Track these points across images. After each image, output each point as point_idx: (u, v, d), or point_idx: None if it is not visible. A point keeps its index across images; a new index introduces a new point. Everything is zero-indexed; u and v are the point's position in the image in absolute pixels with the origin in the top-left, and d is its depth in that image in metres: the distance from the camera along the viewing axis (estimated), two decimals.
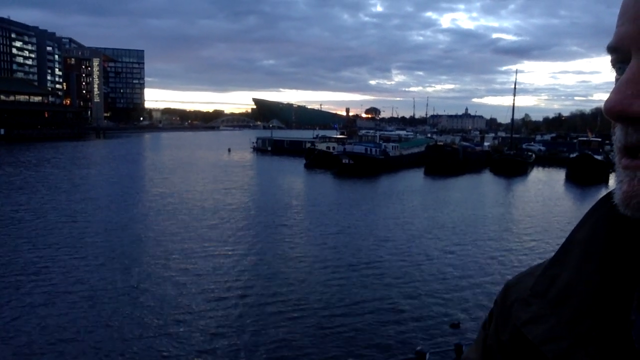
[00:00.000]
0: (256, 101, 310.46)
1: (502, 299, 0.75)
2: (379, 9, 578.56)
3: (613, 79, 0.57)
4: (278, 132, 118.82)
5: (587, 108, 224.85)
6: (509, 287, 0.75)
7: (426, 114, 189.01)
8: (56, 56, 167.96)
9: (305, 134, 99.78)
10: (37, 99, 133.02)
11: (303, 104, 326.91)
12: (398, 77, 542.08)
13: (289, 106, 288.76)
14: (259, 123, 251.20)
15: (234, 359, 11.28)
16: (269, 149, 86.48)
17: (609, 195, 0.65)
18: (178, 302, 14.60)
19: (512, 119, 77.78)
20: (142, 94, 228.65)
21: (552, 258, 0.69)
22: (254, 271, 17.65)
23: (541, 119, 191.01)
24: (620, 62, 0.57)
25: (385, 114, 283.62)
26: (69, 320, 13.05)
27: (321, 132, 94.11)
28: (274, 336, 12.32)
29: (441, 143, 68.14)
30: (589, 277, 0.62)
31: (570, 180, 50.53)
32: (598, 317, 0.58)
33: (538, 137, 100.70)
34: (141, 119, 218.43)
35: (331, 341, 12.10)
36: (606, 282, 0.60)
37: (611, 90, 0.56)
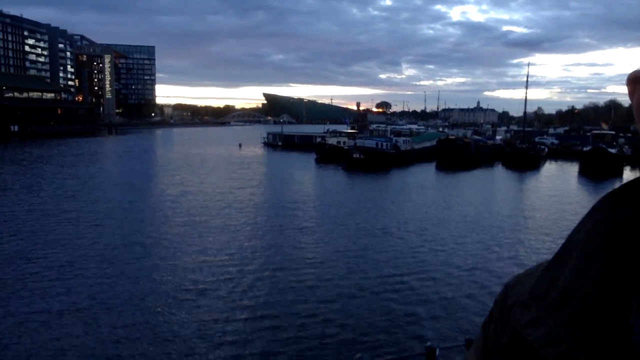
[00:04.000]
0: (267, 96, 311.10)
1: (501, 300, 0.75)
2: (388, 2, 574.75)
3: (627, 68, 0.57)
4: (288, 127, 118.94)
5: (601, 100, 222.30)
6: (509, 288, 0.75)
7: (437, 108, 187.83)
8: (68, 53, 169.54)
9: (316, 129, 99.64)
10: (50, 95, 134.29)
11: (313, 98, 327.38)
12: (408, 71, 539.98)
13: (300, 101, 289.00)
14: (269, 118, 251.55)
15: (242, 352, 11.28)
16: (280, 144, 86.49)
17: (610, 195, 0.65)
18: (190, 301, 14.65)
19: (525, 112, 76.96)
20: (153, 90, 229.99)
21: (551, 259, 0.68)
22: (266, 265, 17.64)
23: (554, 112, 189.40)
24: None
25: (396, 107, 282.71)
26: (74, 329, 13.11)
27: (332, 127, 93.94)
28: (283, 328, 12.31)
29: (453, 137, 67.50)
30: (588, 279, 0.61)
31: (583, 174, 49.88)
32: (598, 320, 0.58)
33: (551, 131, 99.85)
34: (153, 114, 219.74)
35: (340, 336, 12.07)
36: (606, 284, 0.60)
37: None
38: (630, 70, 0.63)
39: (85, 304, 13.90)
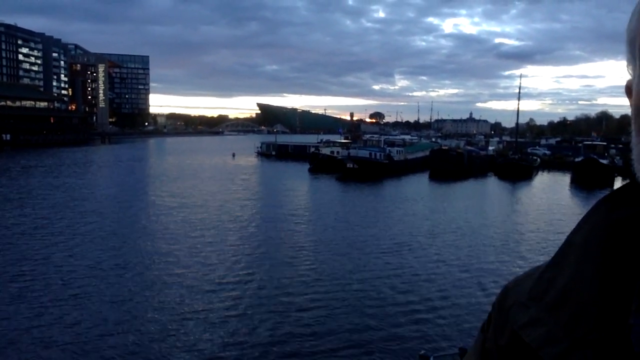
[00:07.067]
0: (260, 106, 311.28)
1: (500, 302, 0.74)
2: (381, 14, 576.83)
3: (618, 81, 0.59)
4: (282, 137, 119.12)
5: (592, 112, 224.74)
6: (508, 290, 0.75)
7: (430, 119, 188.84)
8: (62, 62, 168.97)
9: (310, 139, 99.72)
10: (43, 104, 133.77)
11: (307, 108, 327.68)
12: (401, 82, 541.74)
13: (293, 111, 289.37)
14: (263, 128, 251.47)
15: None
16: (273, 153, 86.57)
17: (607, 197, 0.66)
18: (183, 319, 14.60)
19: (517, 123, 77.52)
20: (147, 99, 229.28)
21: (550, 261, 0.69)
22: (259, 274, 17.63)
23: (546, 123, 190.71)
24: None
25: (389, 118, 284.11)
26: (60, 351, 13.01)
27: (325, 137, 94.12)
28: (275, 340, 12.29)
29: (446, 147, 67.81)
30: (586, 280, 0.61)
31: (575, 184, 50.29)
32: (596, 321, 0.58)
33: (543, 141, 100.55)
34: (146, 124, 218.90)
35: (334, 345, 12.06)
36: (604, 285, 0.60)
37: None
38: (622, 81, 0.62)
39: (72, 324, 13.49)
